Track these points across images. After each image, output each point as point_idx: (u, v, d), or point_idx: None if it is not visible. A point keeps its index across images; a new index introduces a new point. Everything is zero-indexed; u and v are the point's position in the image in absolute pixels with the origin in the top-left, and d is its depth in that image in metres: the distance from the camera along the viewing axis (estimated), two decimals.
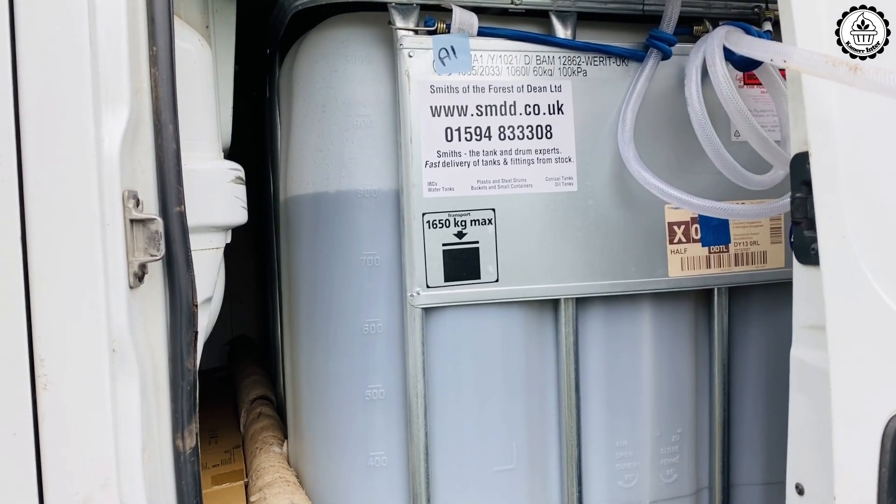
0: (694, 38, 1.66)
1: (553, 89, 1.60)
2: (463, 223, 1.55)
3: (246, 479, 1.79)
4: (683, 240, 1.68)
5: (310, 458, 1.71)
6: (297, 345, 1.74)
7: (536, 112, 1.59)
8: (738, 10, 1.73)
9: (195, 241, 1.16)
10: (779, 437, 1.82)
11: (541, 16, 1.63)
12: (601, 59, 1.63)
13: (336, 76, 1.57)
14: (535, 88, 1.59)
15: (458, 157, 1.54)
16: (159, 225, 1.05)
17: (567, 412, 1.65)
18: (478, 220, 1.56)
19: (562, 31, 1.62)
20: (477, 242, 1.56)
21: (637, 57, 1.64)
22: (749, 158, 1.57)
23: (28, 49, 0.96)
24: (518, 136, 1.58)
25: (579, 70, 1.62)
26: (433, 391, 1.58)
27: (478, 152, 1.56)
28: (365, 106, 1.56)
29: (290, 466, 1.78)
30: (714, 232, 1.70)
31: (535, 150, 1.59)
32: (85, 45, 0.99)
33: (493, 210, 1.56)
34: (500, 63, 1.57)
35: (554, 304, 1.64)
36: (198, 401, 1.16)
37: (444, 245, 1.54)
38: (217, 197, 1.31)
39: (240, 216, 1.38)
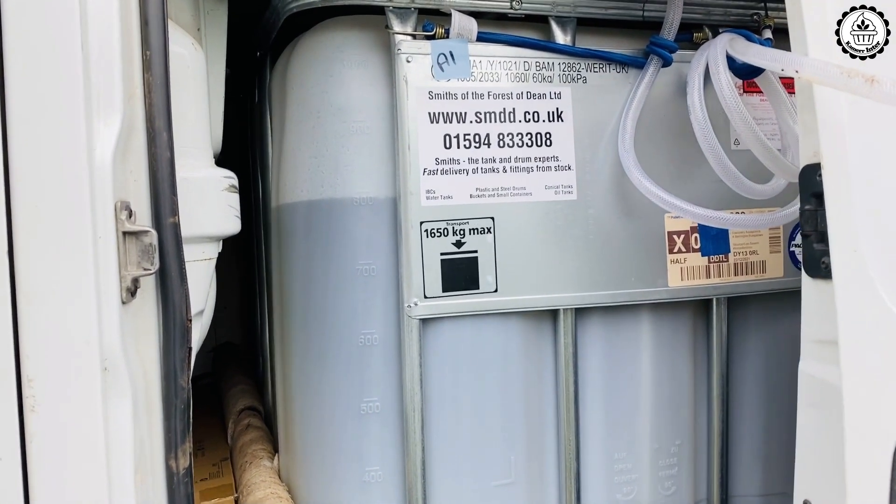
0: (694, 45, 1.65)
1: (553, 96, 1.57)
2: (462, 232, 1.51)
3: (236, 494, 1.75)
4: (683, 249, 1.66)
5: (302, 473, 1.67)
6: (290, 356, 1.70)
7: (536, 119, 1.56)
8: (737, 16, 1.71)
9: (188, 252, 1.11)
10: (777, 449, 1.81)
11: (540, 21, 1.60)
12: (601, 65, 1.61)
13: (332, 81, 1.53)
14: (534, 95, 1.56)
15: (456, 164, 1.51)
16: (153, 237, 1.00)
17: (566, 424, 1.62)
18: (477, 229, 1.52)
19: (561, 37, 1.59)
20: (476, 252, 1.53)
21: (637, 64, 1.62)
22: (747, 167, 1.55)
23: (16, 53, 0.91)
24: (517, 144, 1.55)
25: (579, 77, 1.59)
26: (430, 404, 1.54)
27: (477, 160, 1.52)
28: (361, 111, 1.52)
29: (282, 481, 1.74)
30: (714, 241, 1.68)
31: (535, 158, 1.56)
32: (76, 49, 0.94)
33: (493, 219, 1.53)
34: (500, 69, 1.54)
35: (553, 314, 1.61)
36: (191, 419, 1.11)
37: (442, 254, 1.51)
38: (210, 206, 1.27)
39: (233, 226, 1.33)
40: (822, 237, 1.13)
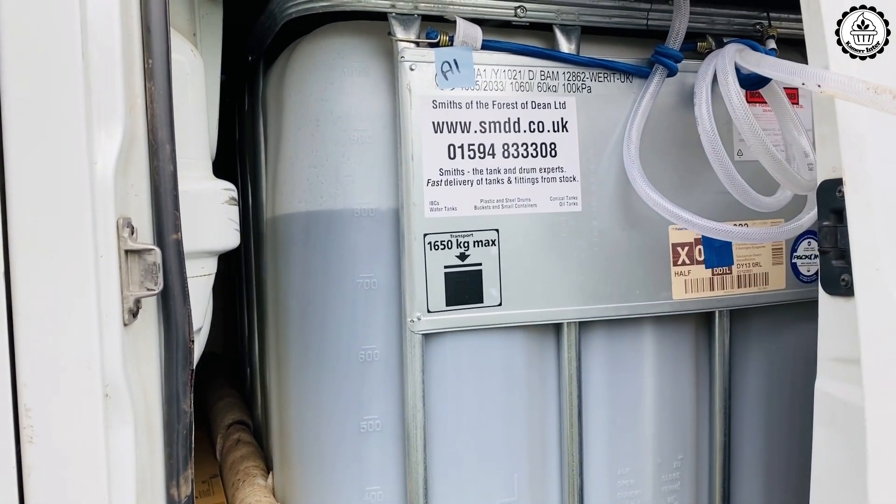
0: (697, 54, 1.63)
1: (557, 106, 1.54)
2: (465, 244, 1.47)
3: None
4: (687, 261, 1.64)
5: (300, 492, 1.61)
6: (286, 371, 1.64)
7: (541, 129, 1.53)
8: (740, 26, 1.70)
9: (188, 269, 1.06)
10: (779, 463, 1.80)
11: (544, 30, 1.57)
12: (605, 75, 1.58)
13: (332, 88, 1.48)
14: (539, 105, 1.53)
15: (460, 175, 1.47)
16: (157, 256, 0.95)
17: (569, 440, 1.59)
18: (481, 242, 1.49)
19: (566, 46, 1.56)
20: (480, 265, 1.49)
21: (641, 73, 1.59)
22: (749, 179, 1.53)
23: (14, 60, 0.86)
24: (522, 154, 1.52)
25: (584, 86, 1.56)
26: (432, 421, 1.50)
27: (481, 170, 1.49)
28: (362, 120, 1.48)
29: (277, 500, 1.68)
30: (717, 253, 1.66)
31: (540, 169, 1.53)
32: (77, 55, 0.89)
33: (497, 231, 1.49)
34: (504, 78, 1.50)
35: (556, 327, 1.58)
36: (193, 445, 1.06)
37: (445, 267, 1.47)
38: (211, 220, 1.22)
39: (233, 240, 1.28)
40: (842, 254, 1.11)
